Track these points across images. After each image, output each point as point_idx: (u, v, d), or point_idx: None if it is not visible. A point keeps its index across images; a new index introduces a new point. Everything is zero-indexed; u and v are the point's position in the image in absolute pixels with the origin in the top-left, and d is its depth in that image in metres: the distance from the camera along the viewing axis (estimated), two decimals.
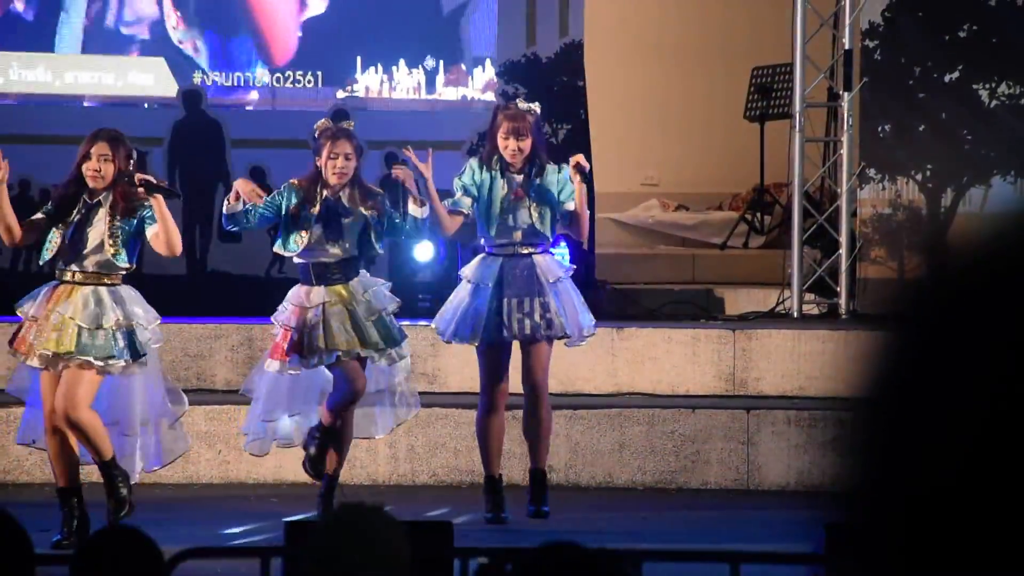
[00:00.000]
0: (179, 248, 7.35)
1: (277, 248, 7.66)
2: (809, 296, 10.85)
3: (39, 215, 7.40)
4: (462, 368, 9.74)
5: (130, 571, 3.16)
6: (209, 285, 11.77)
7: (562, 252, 9.63)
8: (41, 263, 7.54)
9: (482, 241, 7.95)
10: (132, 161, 7.38)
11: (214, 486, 9.15)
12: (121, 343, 7.28)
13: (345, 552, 2.93)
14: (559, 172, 7.82)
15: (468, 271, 7.90)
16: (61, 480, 7.36)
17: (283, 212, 7.55)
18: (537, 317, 7.73)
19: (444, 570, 4.59)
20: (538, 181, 7.81)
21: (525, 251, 7.81)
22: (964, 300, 1.00)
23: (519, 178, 7.81)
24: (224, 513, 8.27)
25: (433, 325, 8.01)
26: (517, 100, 8.11)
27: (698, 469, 9.19)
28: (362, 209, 7.54)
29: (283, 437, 7.74)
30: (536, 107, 7.92)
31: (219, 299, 11.18)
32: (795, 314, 10.72)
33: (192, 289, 11.45)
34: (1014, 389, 0.95)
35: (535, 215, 7.77)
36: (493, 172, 7.82)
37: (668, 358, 9.79)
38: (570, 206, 7.78)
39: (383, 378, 7.77)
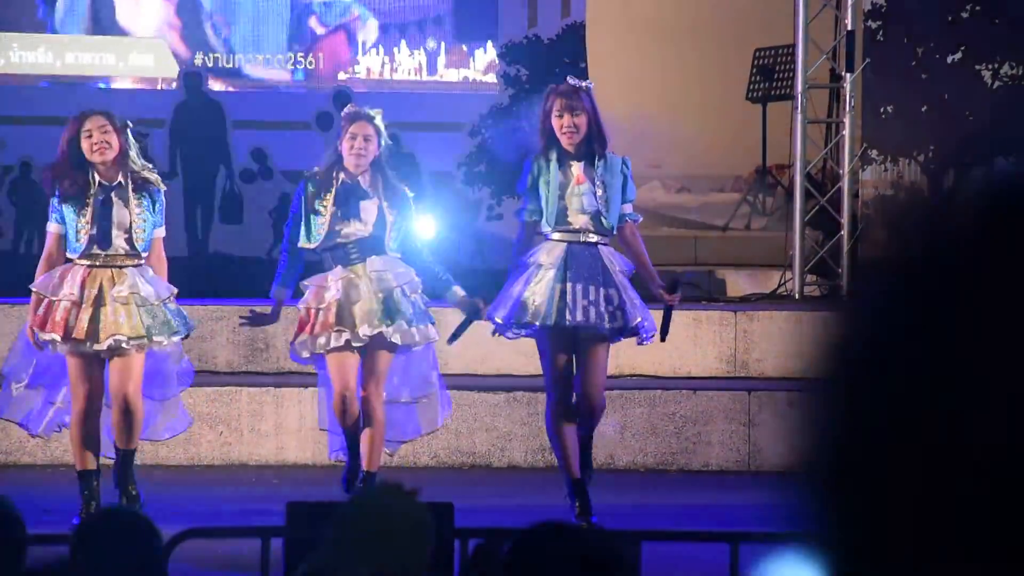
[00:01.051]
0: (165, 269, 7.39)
1: (302, 242, 7.49)
2: (811, 278, 10.85)
3: (54, 225, 7.33)
4: (464, 351, 9.74)
5: (129, 551, 3.16)
6: (210, 266, 11.76)
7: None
8: (71, 253, 7.35)
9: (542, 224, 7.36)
10: (128, 129, 7.37)
11: (215, 467, 9.16)
12: (174, 319, 7.34)
13: (371, 533, 2.92)
14: (623, 165, 7.33)
15: (530, 256, 7.30)
16: (85, 463, 7.33)
17: (303, 205, 7.47)
18: (602, 308, 7.18)
19: (445, 551, 4.59)
20: (601, 167, 7.27)
21: (591, 239, 7.27)
22: (908, 279, 1.00)
23: (579, 163, 7.24)
24: (225, 494, 8.28)
25: (497, 316, 7.33)
26: (568, 77, 7.49)
27: (699, 451, 9.20)
28: (384, 203, 7.41)
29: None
30: (590, 84, 7.37)
31: (221, 280, 11.18)
32: (797, 296, 10.72)
33: (193, 270, 11.45)
34: (957, 367, 0.95)
35: (600, 202, 7.23)
36: (550, 158, 7.25)
37: (670, 339, 9.78)
38: (627, 208, 7.35)
39: (416, 373, 7.60)
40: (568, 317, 7.15)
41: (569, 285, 7.18)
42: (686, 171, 13.55)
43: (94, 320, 7.21)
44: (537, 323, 7.18)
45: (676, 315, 9.35)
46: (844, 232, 10.83)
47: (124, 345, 7.19)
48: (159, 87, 11.93)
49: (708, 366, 9.76)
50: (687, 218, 13.02)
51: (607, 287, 7.21)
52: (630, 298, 7.28)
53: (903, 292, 1.00)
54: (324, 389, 7.58)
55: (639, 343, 7.42)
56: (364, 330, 7.31)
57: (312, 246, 7.45)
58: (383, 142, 7.51)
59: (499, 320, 7.32)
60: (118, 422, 7.25)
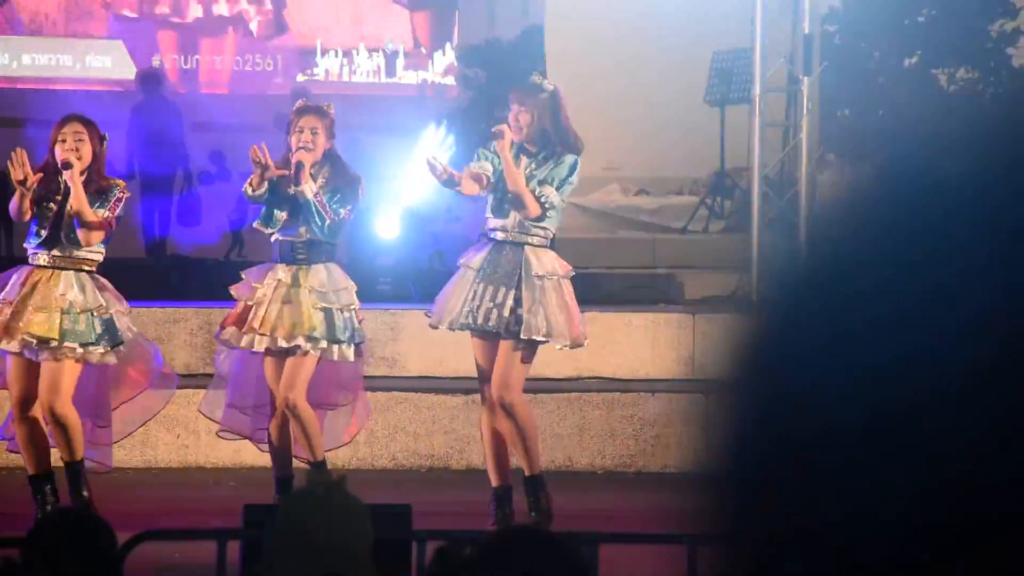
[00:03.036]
0: (92, 237, 7.27)
1: (258, 225, 7.54)
2: None
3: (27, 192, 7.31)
4: (421, 352, 9.73)
5: (83, 553, 3.14)
6: (168, 269, 11.72)
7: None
8: (28, 245, 7.38)
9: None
10: (104, 143, 7.36)
11: (172, 470, 9.12)
12: (99, 329, 7.26)
13: (306, 532, 2.92)
14: (572, 167, 7.25)
15: (463, 257, 7.41)
16: (33, 467, 7.28)
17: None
18: (507, 311, 7.19)
19: (402, 553, 4.58)
20: (549, 167, 7.23)
21: (519, 239, 7.25)
22: (816, 280, 1.01)
23: (524, 159, 7.20)
24: (182, 497, 8.25)
25: (431, 320, 7.39)
26: (534, 74, 7.51)
27: (658, 453, 9.21)
28: (331, 195, 7.42)
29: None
30: (553, 86, 7.34)
31: (178, 282, 11.14)
32: (754, 298, 10.74)
33: (151, 273, 11.40)
34: (863, 370, 0.95)
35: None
36: (492, 150, 7.24)
37: (628, 342, 9.81)
38: (546, 189, 7.21)
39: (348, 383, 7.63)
40: (471, 319, 7.21)
41: (481, 286, 7.22)
42: (644, 173, 13.58)
43: (14, 320, 7.20)
44: (452, 327, 7.25)
45: (634, 318, 9.37)
46: (802, 235, 10.86)
47: (32, 343, 7.18)
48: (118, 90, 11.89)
49: (666, 368, 9.78)
50: (645, 220, 13.04)
51: (518, 290, 7.19)
52: (546, 303, 7.20)
53: (806, 293, 1.00)
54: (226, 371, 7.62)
55: (568, 348, 7.40)
56: (282, 342, 7.32)
57: (267, 232, 7.48)
58: (331, 133, 7.51)
59: (430, 319, 7.38)
60: (53, 434, 7.24)
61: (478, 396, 9.33)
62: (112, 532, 3.29)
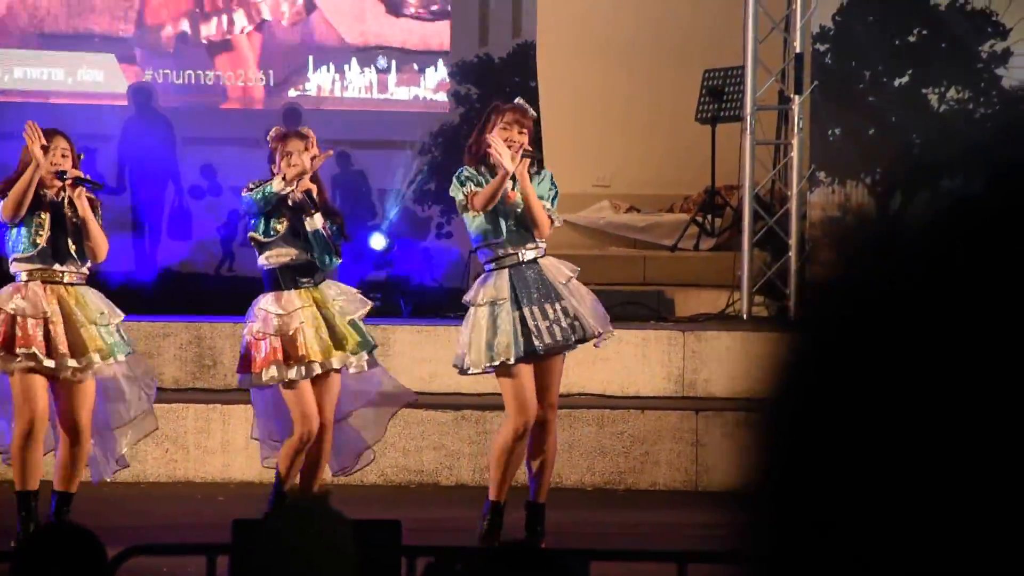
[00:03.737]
0: (103, 252, 7.25)
1: (255, 233, 7.48)
2: (759, 298, 10.90)
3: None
4: (412, 368, 9.73)
5: (72, 567, 3.14)
6: (158, 283, 11.72)
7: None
8: (16, 256, 7.29)
9: (478, 254, 7.41)
10: (79, 159, 7.37)
11: (161, 484, 9.11)
12: (124, 339, 7.30)
13: (292, 547, 2.92)
14: (552, 181, 7.37)
15: (475, 295, 7.30)
16: (28, 483, 7.25)
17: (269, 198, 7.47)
18: (565, 323, 7.25)
19: (392, 569, 4.58)
20: (535, 185, 7.30)
21: (528, 256, 7.29)
22: (860, 300, 1.01)
23: (508, 182, 7.21)
24: (171, 511, 8.24)
25: (462, 364, 7.27)
26: (517, 99, 7.49)
27: (647, 470, 9.21)
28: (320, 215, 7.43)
29: None
30: (533, 114, 7.45)
31: (169, 296, 11.13)
32: (745, 316, 10.76)
33: (141, 286, 11.39)
34: (909, 390, 0.96)
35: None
36: (482, 176, 7.26)
37: (618, 359, 9.81)
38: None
39: (367, 387, 7.64)
40: (536, 343, 7.19)
41: (526, 311, 7.22)
42: (635, 191, 13.59)
43: (41, 336, 7.17)
44: (511, 359, 7.18)
45: (625, 334, 9.35)
46: (792, 253, 10.88)
47: (75, 362, 7.17)
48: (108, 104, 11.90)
49: (656, 385, 9.78)
50: (636, 238, 13.05)
51: (559, 300, 7.27)
52: (583, 305, 7.34)
53: (850, 314, 1.01)
54: (260, 402, 7.56)
55: (595, 346, 7.49)
56: (335, 362, 7.33)
57: (265, 241, 7.42)
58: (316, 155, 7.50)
59: (475, 370, 7.26)
60: (65, 456, 7.20)
61: (468, 412, 9.35)
62: (101, 546, 3.28)
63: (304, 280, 7.41)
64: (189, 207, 12.32)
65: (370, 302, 7.59)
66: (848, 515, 0.97)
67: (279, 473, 7.43)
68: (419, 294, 10.60)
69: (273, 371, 7.25)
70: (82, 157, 7.41)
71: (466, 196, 7.22)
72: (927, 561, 0.93)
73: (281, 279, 7.39)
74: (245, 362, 7.35)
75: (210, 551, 4.71)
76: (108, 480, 7.61)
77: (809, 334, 1.04)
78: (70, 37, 11.80)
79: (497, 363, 7.19)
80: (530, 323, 7.20)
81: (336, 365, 7.35)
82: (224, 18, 11.79)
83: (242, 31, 11.80)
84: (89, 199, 7.30)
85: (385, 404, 7.71)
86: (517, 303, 7.23)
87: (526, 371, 7.25)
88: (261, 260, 7.45)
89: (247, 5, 11.75)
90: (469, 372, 7.29)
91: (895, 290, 1.00)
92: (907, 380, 0.96)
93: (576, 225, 13.22)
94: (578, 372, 9.72)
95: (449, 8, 11.45)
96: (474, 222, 7.26)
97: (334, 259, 7.43)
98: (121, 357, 7.29)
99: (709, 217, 12.59)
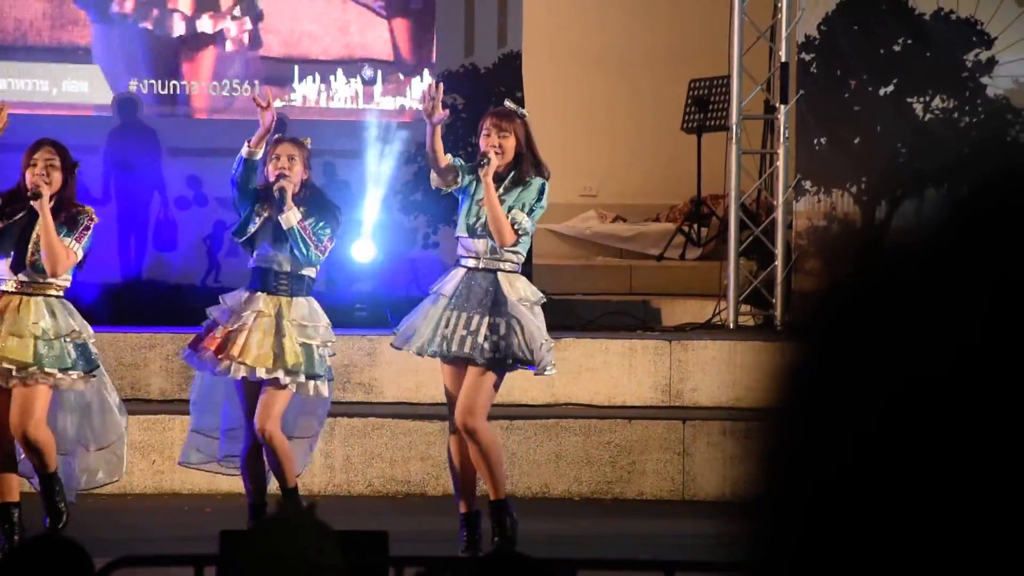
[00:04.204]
0: (59, 266, 7.22)
1: (235, 235, 7.53)
2: (745, 307, 10.90)
3: None
4: (398, 378, 9.72)
5: None
6: (144, 294, 11.69)
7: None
8: None
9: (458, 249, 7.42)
10: (76, 168, 7.36)
11: (148, 496, 9.09)
12: (74, 355, 7.25)
13: (279, 558, 2.91)
14: (540, 190, 7.27)
15: (436, 283, 7.42)
16: (5, 495, 7.24)
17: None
18: (481, 338, 7.19)
19: None
20: (518, 192, 7.25)
21: (491, 266, 7.26)
22: (861, 309, 1.01)
23: (495, 185, 7.21)
24: (158, 523, 8.22)
25: (394, 340, 7.47)
26: (506, 101, 7.53)
27: (634, 479, 9.21)
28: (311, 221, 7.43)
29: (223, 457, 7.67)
30: (524, 112, 7.38)
31: (154, 308, 11.11)
32: (731, 325, 10.77)
33: (127, 298, 11.37)
34: (909, 399, 0.96)
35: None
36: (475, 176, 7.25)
37: (605, 369, 9.81)
38: (516, 214, 7.23)
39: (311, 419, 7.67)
40: (442, 347, 7.22)
41: (454, 314, 7.23)
42: (621, 200, 13.60)
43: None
44: (413, 351, 7.29)
45: (611, 344, 9.36)
46: (778, 262, 10.89)
47: (7, 371, 7.16)
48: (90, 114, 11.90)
49: (643, 395, 9.78)
50: (622, 247, 13.06)
51: (496, 316, 7.18)
52: (521, 329, 7.20)
53: (838, 323, 1.01)
54: (195, 390, 7.64)
55: (536, 374, 7.40)
56: (262, 373, 7.33)
57: (240, 241, 7.47)
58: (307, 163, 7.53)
59: (396, 346, 7.43)
60: (27, 454, 7.22)
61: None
62: (88, 558, 3.27)
63: (283, 286, 7.43)
64: (175, 218, 12.31)
65: (332, 338, 7.54)
66: (841, 524, 0.96)
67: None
68: (406, 305, 10.59)
69: (207, 356, 7.32)
70: (78, 165, 7.40)
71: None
72: (921, 570, 0.93)
73: (260, 279, 7.45)
74: (195, 339, 7.43)
75: (197, 562, 4.70)
76: (80, 492, 7.60)
77: (799, 343, 1.04)
78: (53, 50, 11.78)
79: (409, 351, 7.31)
80: (447, 327, 7.22)
81: (263, 376, 7.33)
82: (210, 29, 11.79)
83: (228, 42, 11.79)
84: (80, 212, 7.28)
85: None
86: (453, 304, 7.26)
87: (448, 371, 7.31)
88: (251, 262, 7.55)
89: (233, 16, 11.75)
90: (395, 345, 7.42)
91: (883, 300, 0.99)
92: (898, 389, 0.96)
93: (563, 235, 13.22)
94: (565, 382, 9.72)
95: (435, 16, 11.46)
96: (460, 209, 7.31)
97: (315, 254, 7.42)
98: (52, 370, 7.21)
99: (695, 226, 12.60)
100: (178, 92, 11.93)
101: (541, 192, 7.30)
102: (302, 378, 7.40)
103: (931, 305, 0.97)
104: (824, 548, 0.97)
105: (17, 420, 7.12)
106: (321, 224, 7.45)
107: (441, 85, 7.37)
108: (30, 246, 7.23)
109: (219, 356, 7.38)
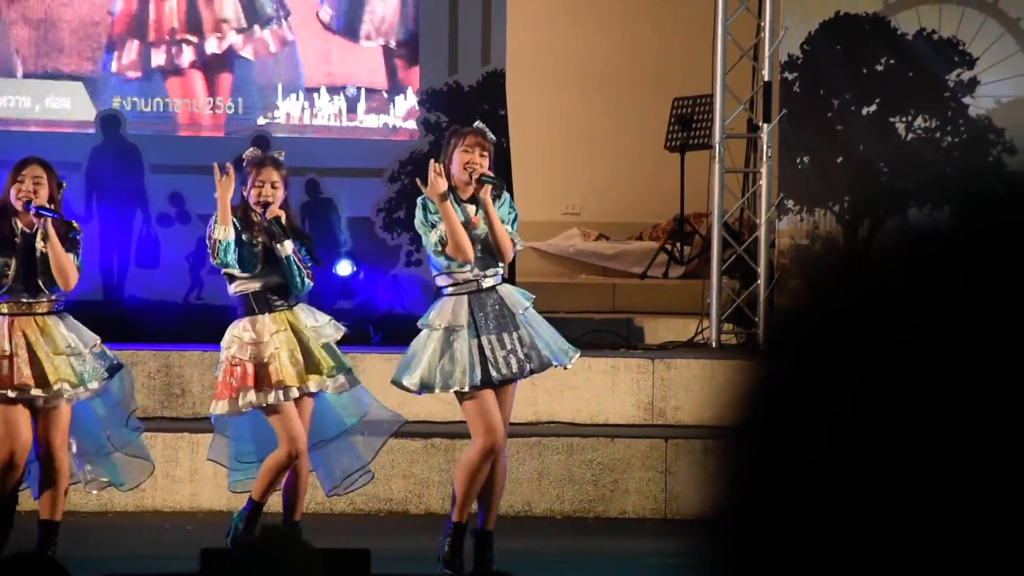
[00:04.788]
0: (72, 280, 7.23)
1: (233, 272, 7.43)
2: (728, 326, 10.91)
3: None
4: (381, 396, 9.70)
5: None
6: (126, 311, 11.67)
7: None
8: None
9: (437, 278, 7.40)
10: (62, 189, 7.36)
11: (129, 514, 9.06)
12: (99, 365, 7.30)
13: None
14: (510, 203, 7.38)
15: (432, 318, 7.31)
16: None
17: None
18: (521, 354, 7.23)
19: None
20: (494, 207, 7.32)
21: (488, 283, 7.29)
22: (821, 327, 1.01)
23: (471, 207, 7.27)
24: (139, 541, 8.20)
25: (407, 382, 7.32)
26: (477, 123, 7.52)
27: (616, 498, 9.20)
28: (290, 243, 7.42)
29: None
30: (499, 140, 7.47)
31: (137, 325, 11.09)
32: (714, 344, 10.77)
33: (109, 315, 11.34)
34: (863, 416, 0.96)
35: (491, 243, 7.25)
36: (448, 199, 7.25)
37: (588, 387, 9.81)
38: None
39: (358, 406, 7.62)
40: (493, 372, 7.19)
41: (484, 340, 7.21)
42: (604, 219, 13.61)
43: (19, 369, 7.15)
44: (466, 387, 7.19)
45: (594, 362, 9.35)
46: (761, 281, 10.90)
47: (47, 390, 7.14)
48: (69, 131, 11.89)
49: (626, 413, 9.78)
50: (605, 265, 13.07)
51: (517, 329, 7.25)
52: (540, 335, 7.32)
53: (818, 342, 1.01)
54: (236, 426, 7.52)
55: (564, 368, 7.48)
56: (312, 386, 7.30)
57: (240, 276, 7.39)
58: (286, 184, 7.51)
59: (416, 388, 7.30)
60: (48, 480, 7.18)
61: (437, 440, 9.33)
62: None
63: (278, 303, 7.40)
64: (157, 235, 12.29)
65: (343, 328, 7.58)
66: (813, 543, 0.96)
67: (251, 496, 7.38)
68: (388, 322, 10.59)
69: (251, 396, 7.24)
70: (63, 186, 7.39)
71: (440, 241, 7.22)
72: None
73: (255, 303, 7.37)
74: (222, 388, 7.33)
75: None
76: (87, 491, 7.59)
77: (774, 361, 1.04)
78: (38, 73, 11.77)
79: (452, 390, 7.20)
80: (487, 352, 7.20)
81: (313, 389, 7.34)
82: (193, 47, 11.79)
83: (211, 60, 11.79)
84: (67, 226, 7.29)
85: (374, 433, 7.69)
86: (476, 331, 7.23)
87: (488, 394, 7.26)
88: (231, 290, 7.44)
89: (216, 35, 11.75)
90: (418, 392, 7.29)
91: (863, 318, 1.00)
92: (874, 407, 0.96)
93: (545, 253, 13.22)
94: (547, 400, 9.72)
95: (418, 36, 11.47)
96: (438, 251, 7.27)
97: (307, 282, 7.43)
98: (94, 385, 7.26)
99: (678, 245, 12.61)
100: (162, 110, 11.92)
101: (510, 203, 7.44)
102: (341, 377, 7.40)
103: (892, 322, 0.97)
104: (785, 567, 0.97)
105: (57, 441, 7.14)
106: (305, 250, 7.46)
107: (441, 167, 7.33)
108: (38, 265, 7.20)
109: (260, 390, 7.26)
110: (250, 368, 7.26)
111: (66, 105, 11.96)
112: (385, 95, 11.53)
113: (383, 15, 11.55)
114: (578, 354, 7.49)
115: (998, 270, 0.96)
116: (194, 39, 11.78)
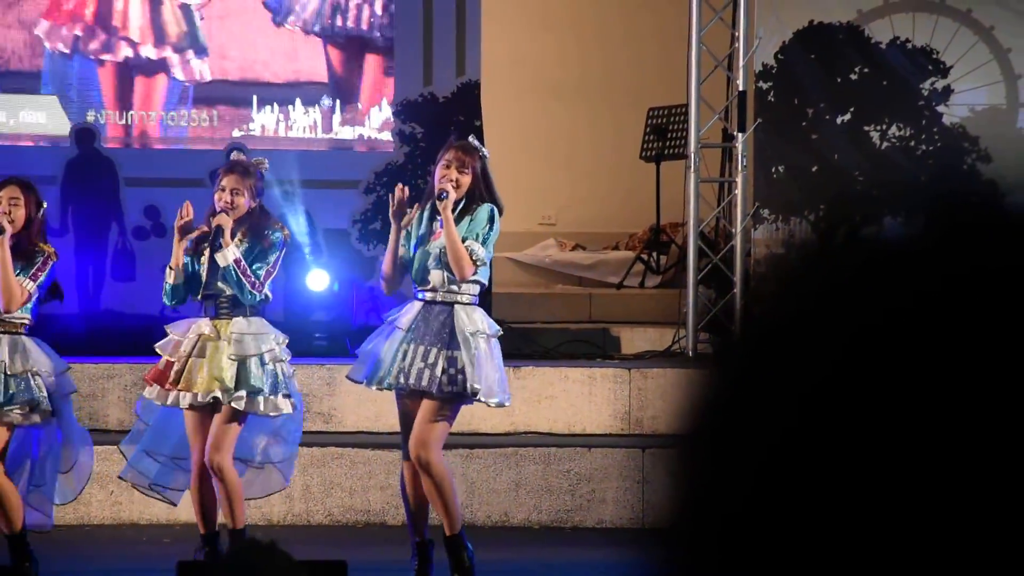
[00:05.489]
0: (13, 303, 7.19)
1: (169, 302, 7.52)
2: (704, 335, 10.92)
3: None
4: (357, 407, 9.70)
5: None
6: (102, 324, 11.65)
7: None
8: None
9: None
10: (42, 209, 7.33)
11: (106, 527, 9.04)
12: (39, 391, 7.24)
13: None
14: (490, 215, 7.22)
15: (392, 312, 7.36)
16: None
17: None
18: (438, 371, 7.14)
19: None
20: (467, 222, 7.18)
21: (448, 299, 7.23)
22: (773, 333, 1.02)
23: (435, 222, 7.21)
24: (116, 554, 8.17)
25: (354, 377, 7.41)
26: (471, 137, 7.45)
27: (594, 508, 9.21)
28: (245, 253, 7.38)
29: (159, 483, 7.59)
30: (486, 153, 7.34)
31: (112, 338, 11.07)
32: (690, 353, 10.79)
33: (85, 328, 11.32)
34: (814, 425, 0.96)
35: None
36: (425, 211, 7.25)
37: (565, 397, 9.81)
38: (470, 243, 7.19)
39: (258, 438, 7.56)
40: (401, 379, 7.17)
41: (411, 347, 7.18)
42: (580, 229, 13.62)
43: None
44: (375, 386, 7.24)
45: (571, 372, 9.35)
46: (737, 290, 10.92)
47: None
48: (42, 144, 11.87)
49: (603, 423, 9.78)
50: (581, 275, 13.07)
51: (452, 349, 7.15)
52: (480, 365, 7.15)
53: (784, 349, 1.01)
54: (152, 413, 7.54)
55: (490, 406, 7.37)
56: (201, 396, 7.26)
57: (197, 298, 7.44)
58: (255, 193, 7.46)
59: (355, 379, 7.37)
60: None
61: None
62: None
63: (223, 310, 7.37)
64: (133, 248, 12.27)
65: (277, 346, 7.40)
66: (751, 553, 0.97)
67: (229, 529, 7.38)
68: (365, 334, 10.56)
69: (155, 390, 7.28)
70: (44, 206, 7.37)
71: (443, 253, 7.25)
72: None
73: (203, 307, 7.41)
74: (149, 373, 7.40)
75: None
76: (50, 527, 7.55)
77: (711, 370, 1.05)
78: (10, 76, 11.75)
79: (364, 384, 7.27)
80: (404, 359, 7.17)
81: (203, 400, 7.27)
82: (168, 59, 11.77)
83: (185, 72, 11.78)
84: (37, 250, 7.26)
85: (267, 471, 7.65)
86: (410, 337, 7.21)
87: (403, 403, 7.29)
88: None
89: (189, 46, 11.74)
90: (351, 378, 7.38)
91: (834, 326, 1.00)
92: (823, 414, 0.97)
93: (522, 263, 13.23)
94: (524, 411, 9.72)
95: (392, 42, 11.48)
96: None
97: (253, 294, 7.34)
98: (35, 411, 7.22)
99: (655, 255, 12.63)
100: (137, 122, 11.91)
101: (491, 218, 7.25)
102: (242, 394, 7.26)
103: (843, 329, 0.97)
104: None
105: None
106: (254, 256, 7.37)
107: (407, 189, 7.32)
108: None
109: (165, 387, 7.32)
110: (163, 364, 7.29)
111: (41, 119, 11.94)
112: (360, 107, 11.54)
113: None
114: (506, 403, 7.32)
115: (957, 276, 0.96)
116: (169, 51, 11.78)
